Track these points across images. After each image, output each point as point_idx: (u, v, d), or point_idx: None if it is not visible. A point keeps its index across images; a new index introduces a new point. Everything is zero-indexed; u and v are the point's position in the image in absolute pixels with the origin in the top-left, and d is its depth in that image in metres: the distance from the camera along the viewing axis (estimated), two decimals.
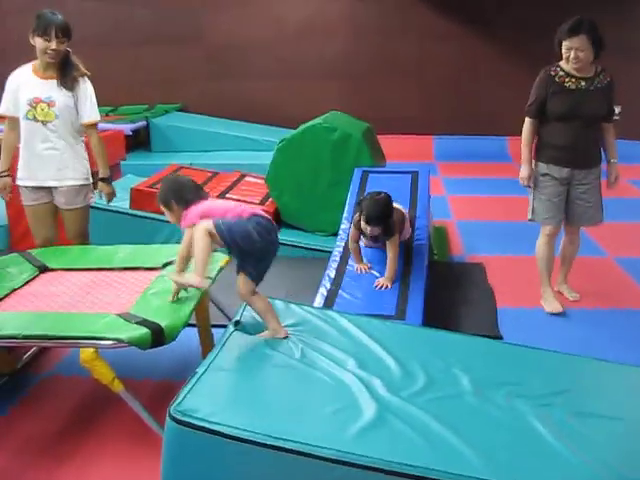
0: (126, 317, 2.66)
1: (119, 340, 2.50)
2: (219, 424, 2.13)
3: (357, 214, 3.65)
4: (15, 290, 3.15)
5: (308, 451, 2.08)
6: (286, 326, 2.75)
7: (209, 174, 5.59)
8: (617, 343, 3.56)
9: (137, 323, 2.59)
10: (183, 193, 2.70)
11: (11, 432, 2.87)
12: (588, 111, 3.72)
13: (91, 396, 3.15)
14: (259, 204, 5.06)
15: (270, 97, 9.18)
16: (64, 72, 3.60)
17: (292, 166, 4.99)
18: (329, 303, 3.35)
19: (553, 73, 3.80)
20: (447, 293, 4.15)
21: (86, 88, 3.65)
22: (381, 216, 3.51)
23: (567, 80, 3.75)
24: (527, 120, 3.89)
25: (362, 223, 3.56)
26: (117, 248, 3.57)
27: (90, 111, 3.65)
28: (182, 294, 2.86)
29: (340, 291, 3.44)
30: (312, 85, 9.16)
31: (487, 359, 2.86)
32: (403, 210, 3.88)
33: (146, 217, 4.86)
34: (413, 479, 2.05)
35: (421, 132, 9.13)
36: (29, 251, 3.61)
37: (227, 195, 5.09)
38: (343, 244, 3.99)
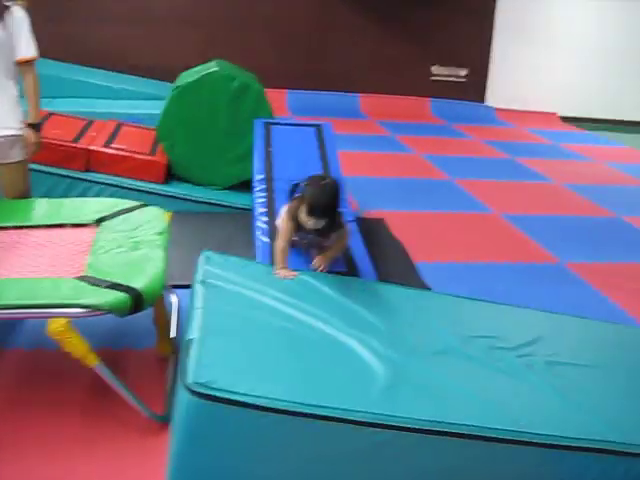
0: (91, 280, 2.33)
1: (96, 307, 2.19)
2: (247, 395, 1.96)
3: (293, 202, 2.96)
4: None
5: (349, 417, 1.98)
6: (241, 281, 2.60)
7: (84, 122, 5.06)
8: (519, 293, 3.67)
9: (108, 287, 2.28)
10: None
11: None
12: None
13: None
14: (149, 155, 4.69)
15: (119, 43, 8.50)
16: None
17: (186, 115, 4.66)
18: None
19: None
20: None
21: (21, 19, 3.07)
22: (329, 206, 2.85)
23: None
24: None
25: (302, 215, 2.86)
26: (31, 202, 3.15)
27: (26, 46, 3.09)
28: (142, 252, 2.58)
29: None
30: (164, 32, 8.60)
31: (455, 314, 2.89)
32: None
33: None
34: (453, 436, 2.03)
35: (275, 86, 8.95)
36: None
37: (113, 145, 4.65)
38: (264, 196, 3.83)
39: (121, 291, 2.26)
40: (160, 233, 2.81)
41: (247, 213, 4.50)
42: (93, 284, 2.31)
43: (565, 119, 9.47)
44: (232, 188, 4.88)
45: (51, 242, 2.77)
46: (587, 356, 2.70)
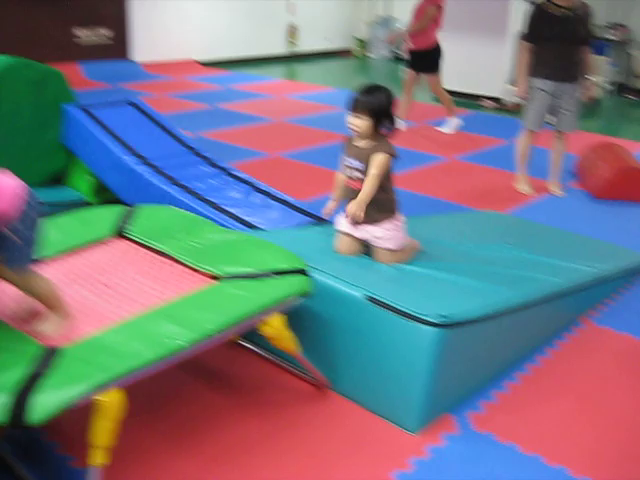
0: (243, 276, 2.37)
1: (304, 294, 2.32)
2: (469, 313, 2.39)
3: None
4: None
5: (522, 303, 2.63)
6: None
7: None
8: None
9: (279, 275, 2.37)
10: None
11: None
12: (570, 34, 4.48)
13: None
14: None
15: None
16: None
17: None
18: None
19: (543, 5, 4.59)
20: None
21: None
22: (368, 101, 2.64)
23: (555, 10, 4.51)
24: (524, 44, 4.66)
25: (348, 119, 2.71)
26: None
27: None
28: (233, 238, 2.65)
29: (248, 218, 3.42)
30: None
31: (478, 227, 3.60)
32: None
33: None
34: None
35: None
36: None
37: None
38: (155, 171, 3.81)
39: (298, 274, 2.38)
40: (210, 223, 2.84)
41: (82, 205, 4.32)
42: (255, 277, 2.35)
43: (202, 64, 10.13)
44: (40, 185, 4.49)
45: (110, 264, 2.57)
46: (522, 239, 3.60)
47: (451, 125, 6.72)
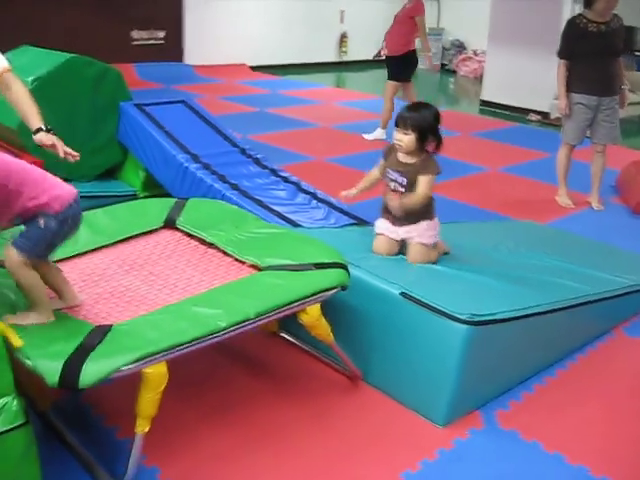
0: (290, 268, 2.48)
1: (342, 286, 2.42)
2: (498, 313, 2.47)
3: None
4: None
5: (551, 308, 2.71)
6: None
7: None
8: None
9: (319, 268, 2.48)
10: None
11: None
12: (608, 49, 4.57)
13: None
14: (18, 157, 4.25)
15: None
16: None
17: (49, 109, 4.27)
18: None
19: (578, 21, 4.64)
20: None
21: None
22: (415, 118, 2.75)
23: (590, 25, 4.58)
24: (561, 61, 4.72)
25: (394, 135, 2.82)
26: None
27: None
28: (277, 234, 2.77)
29: (292, 216, 3.55)
30: None
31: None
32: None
33: None
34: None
35: None
36: None
37: None
38: (207, 173, 3.94)
39: (338, 268, 2.49)
40: (256, 218, 2.97)
41: (132, 198, 4.48)
42: (297, 269, 2.47)
43: (253, 68, 10.35)
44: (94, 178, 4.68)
45: (160, 255, 2.70)
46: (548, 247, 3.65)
47: (376, 134, 6.60)
